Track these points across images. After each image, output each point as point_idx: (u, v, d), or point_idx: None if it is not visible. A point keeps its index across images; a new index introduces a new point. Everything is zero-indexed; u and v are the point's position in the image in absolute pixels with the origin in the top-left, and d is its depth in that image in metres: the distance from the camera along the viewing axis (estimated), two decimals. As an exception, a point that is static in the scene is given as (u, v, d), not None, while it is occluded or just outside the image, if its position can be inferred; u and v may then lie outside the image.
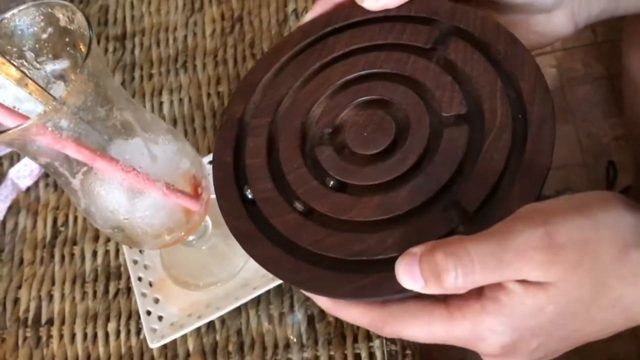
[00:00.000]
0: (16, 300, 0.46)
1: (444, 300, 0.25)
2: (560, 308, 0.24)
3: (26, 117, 0.27)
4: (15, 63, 0.28)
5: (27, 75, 0.28)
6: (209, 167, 0.32)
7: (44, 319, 0.45)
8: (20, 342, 0.45)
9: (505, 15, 0.33)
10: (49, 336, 0.44)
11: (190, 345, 0.41)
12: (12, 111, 0.27)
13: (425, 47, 0.30)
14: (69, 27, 0.28)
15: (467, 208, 0.26)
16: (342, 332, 0.39)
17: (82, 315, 0.44)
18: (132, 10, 0.58)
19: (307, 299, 0.40)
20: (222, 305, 0.40)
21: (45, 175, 0.51)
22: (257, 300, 0.41)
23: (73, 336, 0.44)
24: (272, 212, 0.28)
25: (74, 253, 0.47)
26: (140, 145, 0.31)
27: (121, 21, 0.57)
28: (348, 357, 0.39)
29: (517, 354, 0.25)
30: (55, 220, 0.49)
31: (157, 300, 0.42)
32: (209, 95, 0.52)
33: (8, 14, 0.29)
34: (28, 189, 0.51)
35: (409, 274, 0.24)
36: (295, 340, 0.40)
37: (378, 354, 0.38)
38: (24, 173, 0.50)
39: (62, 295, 0.45)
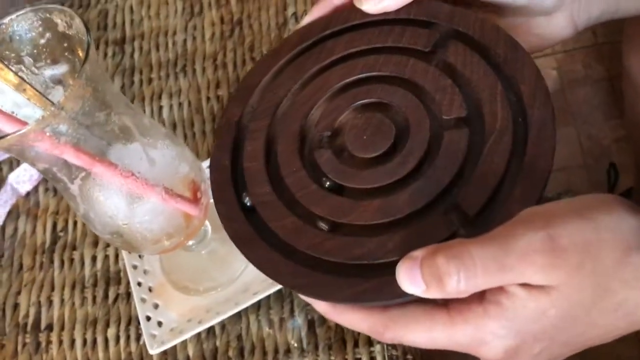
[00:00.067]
0: (15, 306, 0.46)
1: (445, 304, 0.25)
2: (562, 311, 0.23)
3: (24, 123, 0.27)
4: (13, 68, 0.28)
5: (25, 81, 0.28)
6: (209, 172, 0.32)
7: (43, 325, 0.45)
8: (19, 348, 0.44)
9: (504, 18, 0.33)
10: (49, 342, 0.44)
11: (190, 351, 0.41)
12: (10, 117, 0.27)
13: (424, 50, 0.30)
14: (67, 32, 0.28)
15: (468, 211, 0.26)
16: (342, 337, 0.39)
17: (81, 321, 0.44)
18: (132, 14, 0.58)
19: (308, 303, 0.40)
20: (222, 310, 0.40)
21: (45, 180, 0.51)
22: (257, 305, 0.41)
23: (72, 342, 0.44)
24: (270, 216, 0.28)
25: (73, 258, 0.47)
26: (139, 150, 0.31)
27: (120, 25, 0.57)
28: (349, 361, 0.38)
29: (520, 359, 0.25)
30: (54, 225, 0.49)
31: (156, 306, 0.42)
32: (208, 99, 0.52)
33: (6, 20, 0.29)
34: (27, 194, 0.51)
35: (410, 278, 0.23)
36: (295, 345, 0.40)
37: (379, 359, 0.38)
38: (23, 178, 0.50)
39: (62, 301, 0.45)
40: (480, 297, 0.24)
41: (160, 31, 0.56)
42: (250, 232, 0.28)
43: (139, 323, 0.41)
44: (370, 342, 0.39)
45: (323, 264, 0.26)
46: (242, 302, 0.40)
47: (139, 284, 0.43)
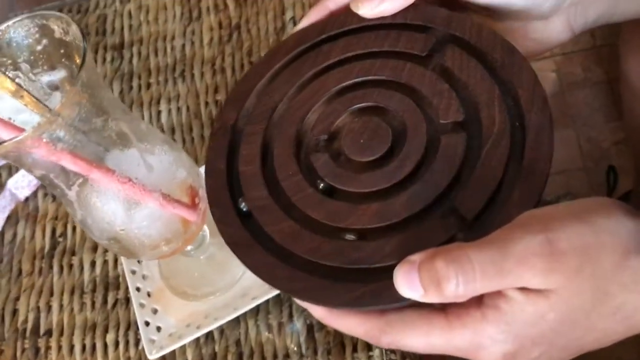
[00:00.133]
0: (14, 311, 0.46)
1: (442, 309, 0.25)
2: (561, 315, 0.23)
3: (22, 129, 0.27)
4: (10, 75, 0.28)
5: (22, 87, 0.28)
6: (206, 177, 0.32)
7: (42, 330, 0.45)
8: (18, 353, 0.44)
9: (501, 22, 0.33)
10: (48, 347, 0.44)
11: (189, 356, 0.41)
12: (7, 123, 0.27)
13: (421, 55, 0.30)
14: (64, 38, 0.28)
15: (466, 215, 0.26)
16: (341, 341, 0.39)
17: (80, 326, 0.44)
18: (130, 19, 0.58)
19: (307, 308, 0.40)
20: (220, 315, 0.40)
21: (44, 186, 0.51)
22: (256, 310, 0.41)
23: (72, 347, 0.44)
24: (266, 220, 0.28)
25: (72, 263, 0.47)
26: (136, 156, 0.31)
27: (119, 30, 0.57)
28: (348, 366, 0.38)
29: (519, 364, 0.25)
30: (53, 231, 0.49)
31: (155, 311, 0.42)
32: (206, 104, 0.52)
33: (3, 26, 0.29)
34: (26, 199, 0.51)
35: (408, 282, 0.23)
36: (295, 349, 0.39)
37: (378, 363, 0.38)
38: (22, 183, 0.50)
39: (61, 306, 0.45)
40: (478, 302, 0.24)
41: (159, 36, 0.56)
42: (246, 236, 0.28)
43: (137, 328, 0.41)
44: (369, 346, 0.38)
45: (320, 269, 0.26)
46: (241, 307, 0.40)
47: (138, 289, 0.43)
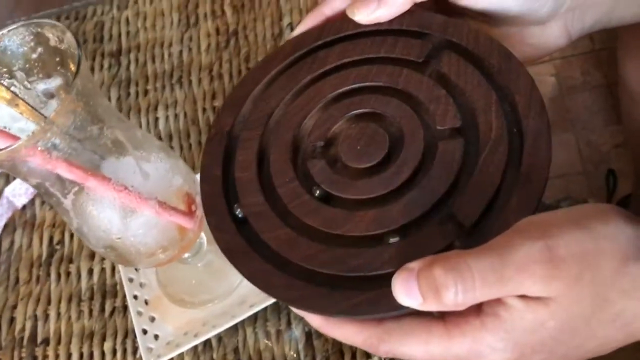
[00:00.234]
0: (12, 320, 0.46)
1: (441, 317, 0.25)
2: (561, 323, 0.23)
3: (17, 138, 0.27)
4: (5, 83, 0.28)
5: (17, 96, 0.28)
6: (202, 183, 0.31)
7: (39, 339, 0.45)
8: (15, 362, 0.44)
9: (498, 28, 0.33)
10: (45, 356, 0.44)
11: (187, 364, 0.41)
12: (1, 132, 0.27)
13: (417, 61, 0.30)
14: (59, 46, 0.28)
15: (464, 222, 0.25)
16: (340, 349, 0.39)
17: (78, 335, 0.44)
18: (128, 26, 0.58)
19: (305, 315, 0.40)
20: (218, 323, 0.40)
21: (41, 193, 0.51)
22: (254, 318, 0.41)
23: (69, 356, 0.43)
24: (263, 227, 0.28)
25: (70, 271, 0.47)
26: (132, 164, 0.31)
27: (116, 37, 0.57)
28: (347, 374, 0.38)
29: (518, 372, 0.25)
30: (51, 239, 0.49)
31: (153, 319, 0.42)
32: (204, 110, 0.52)
33: (-3, 35, 0.29)
34: (24, 207, 0.51)
35: (407, 290, 0.23)
36: (294, 357, 0.39)
37: (377, 370, 0.37)
38: (19, 191, 0.50)
39: (58, 314, 0.45)
40: (477, 309, 0.24)
41: (156, 43, 0.56)
42: (242, 244, 0.27)
43: (135, 336, 0.41)
44: (367, 355, 0.38)
45: (317, 276, 0.26)
46: (239, 315, 0.39)
47: (135, 297, 0.42)
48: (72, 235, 0.48)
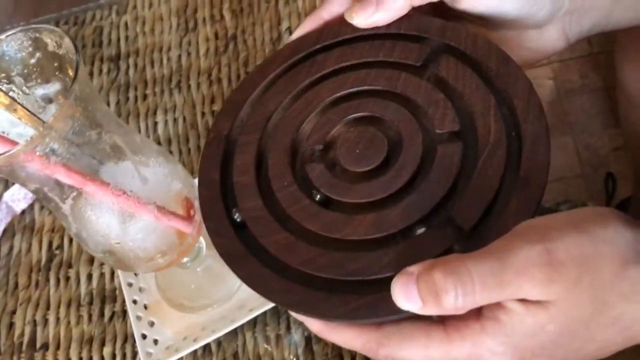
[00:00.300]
0: (11, 325, 0.46)
1: (441, 321, 0.25)
2: (560, 327, 0.23)
3: (15, 143, 0.27)
4: (4, 88, 0.28)
5: (15, 101, 0.28)
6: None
7: (38, 344, 0.44)
8: (14, 368, 0.44)
9: (496, 31, 0.33)
10: (44, 361, 0.44)
11: (187, 369, 0.41)
12: (0, 137, 0.27)
13: (416, 65, 0.30)
14: (57, 51, 0.28)
15: (463, 225, 0.25)
16: (339, 353, 0.39)
17: (77, 340, 0.44)
18: (126, 31, 0.58)
19: (304, 319, 0.40)
20: (218, 327, 0.40)
21: (40, 198, 0.51)
22: (253, 322, 0.41)
23: (68, 361, 0.43)
24: (261, 232, 0.28)
25: (69, 276, 0.47)
26: (131, 169, 0.31)
27: (115, 42, 0.57)
28: (347, 378, 0.38)
29: (518, 375, 0.25)
30: (50, 243, 0.48)
31: (152, 324, 0.42)
32: (203, 114, 0.52)
33: (-6, 41, 0.29)
34: (23, 212, 0.50)
35: (406, 294, 0.23)
36: (293, 361, 0.39)
37: (377, 375, 0.37)
38: (18, 196, 0.50)
39: (57, 319, 0.45)
40: (477, 313, 0.24)
41: (155, 47, 0.56)
42: (241, 248, 0.27)
43: (134, 341, 0.41)
44: (367, 358, 0.38)
45: (316, 281, 0.26)
46: (238, 319, 0.39)
47: (135, 301, 0.42)
48: (71, 240, 0.48)
